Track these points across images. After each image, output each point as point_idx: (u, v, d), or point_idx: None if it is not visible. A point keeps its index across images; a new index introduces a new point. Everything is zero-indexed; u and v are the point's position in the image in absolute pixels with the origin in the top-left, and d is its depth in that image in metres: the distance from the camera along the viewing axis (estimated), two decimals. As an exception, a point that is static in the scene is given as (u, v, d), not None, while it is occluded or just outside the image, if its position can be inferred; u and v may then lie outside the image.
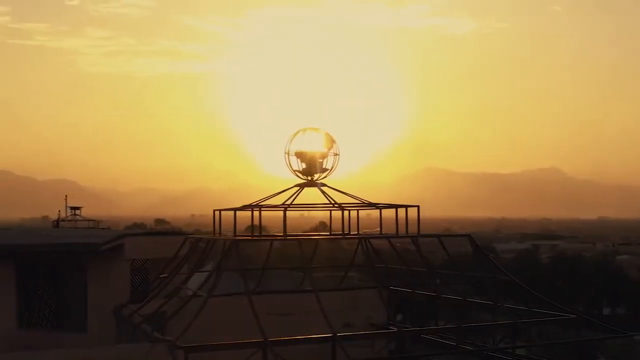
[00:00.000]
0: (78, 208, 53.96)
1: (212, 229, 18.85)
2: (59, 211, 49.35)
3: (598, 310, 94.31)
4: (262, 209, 18.05)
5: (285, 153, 18.95)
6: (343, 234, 19.31)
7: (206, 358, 14.46)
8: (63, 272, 20.35)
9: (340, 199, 19.07)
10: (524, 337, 18.64)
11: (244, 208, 18.17)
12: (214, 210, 19.17)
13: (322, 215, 21.60)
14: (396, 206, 18.63)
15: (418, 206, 18.59)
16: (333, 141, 19.15)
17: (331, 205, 18.83)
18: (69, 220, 50.71)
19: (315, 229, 70.36)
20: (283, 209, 17.74)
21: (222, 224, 18.46)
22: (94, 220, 52.17)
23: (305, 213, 23.14)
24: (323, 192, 18.78)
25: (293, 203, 18.35)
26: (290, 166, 18.99)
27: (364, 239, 20.01)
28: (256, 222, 18.47)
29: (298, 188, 18.86)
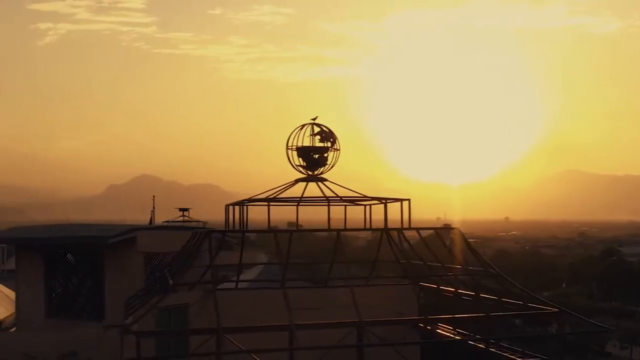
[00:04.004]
0: (187, 209, 55.73)
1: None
2: (152, 211, 51.13)
3: None
4: (249, 204, 18.53)
5: (287, 148, 19.34)
6: (328, 227, 19.51)
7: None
8: (84, 264, 21.43)
9: (342, 194, 19.29)
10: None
11: (237, 203, 18.71)
12: (226, 206, 19.79)
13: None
14: (386, 200, 18.76)
15: (409, 200, 18.67)
16: (334, 137, 19.40)
17: (323, 200, 19.03)
18: (175, 221, 52.32)
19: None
20: (267, 203, 18.19)
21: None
22: (201, 222, 53.61)
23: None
24: (320, 187, 19.08)
25: (286, 197, 18.75)
26: (292, 161, 19.37)
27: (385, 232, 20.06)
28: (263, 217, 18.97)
29: (295, 182, 19.23)
